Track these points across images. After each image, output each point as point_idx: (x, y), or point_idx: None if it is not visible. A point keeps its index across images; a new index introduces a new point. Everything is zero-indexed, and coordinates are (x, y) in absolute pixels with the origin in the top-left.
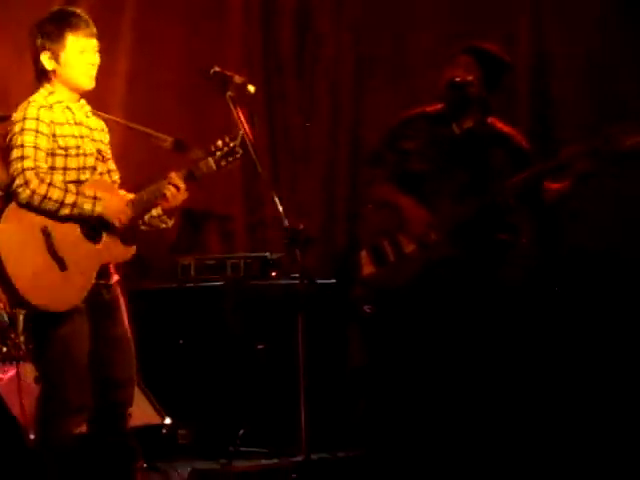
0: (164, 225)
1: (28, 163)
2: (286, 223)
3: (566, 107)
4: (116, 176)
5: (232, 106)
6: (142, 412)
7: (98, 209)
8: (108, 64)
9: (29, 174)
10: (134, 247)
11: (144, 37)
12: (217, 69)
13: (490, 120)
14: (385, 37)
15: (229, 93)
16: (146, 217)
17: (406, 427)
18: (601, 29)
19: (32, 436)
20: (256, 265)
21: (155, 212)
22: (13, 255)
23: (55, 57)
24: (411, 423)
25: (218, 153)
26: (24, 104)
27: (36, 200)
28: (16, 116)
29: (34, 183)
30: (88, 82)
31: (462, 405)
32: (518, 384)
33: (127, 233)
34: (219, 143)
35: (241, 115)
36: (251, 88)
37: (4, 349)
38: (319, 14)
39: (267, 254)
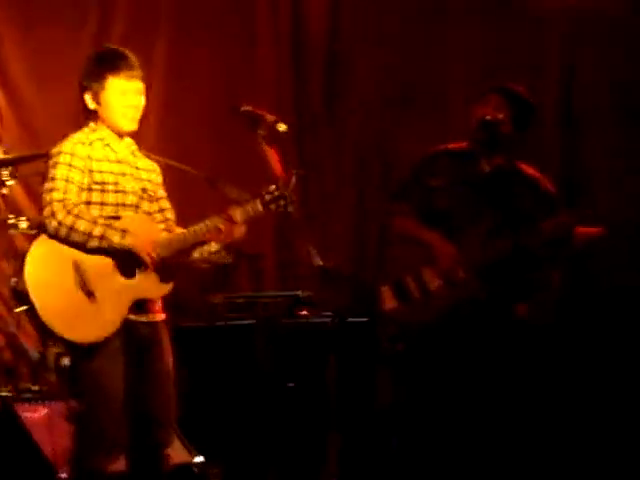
0: (223, 261)
1: (57, 195)
2: (317, 261)
3: (595, 138)
4: (169, 214)
5: (263, 144)
6: (173, 451)
7: (127, 242)
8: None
9: (56, 205)
10: (171, 284)
11: (175, 70)
12: (248, 108)
13: (518, 163)
14: (417, 71)
15: (260, 131)
16: (205, 253)
17: (438, 463)
18: (630, 61)
19: (64, 475)
20: (287, 303)
21: (214, 248)
22: (41, 285)
23: (95, 97)
24: (442, 459)
25: (267, 197)
26: (63, 140)
27: (63, 232)
28: (53, 151)
29: (61, 215)
30: (126, 124)
31: (490, 442)
32: (545, 421)
33: (164, 270)
34: (272, 187)
35: (272, 153)
36: (282, 127)
37: (35, 387)
38: (350, 48)
39: (298, 292)
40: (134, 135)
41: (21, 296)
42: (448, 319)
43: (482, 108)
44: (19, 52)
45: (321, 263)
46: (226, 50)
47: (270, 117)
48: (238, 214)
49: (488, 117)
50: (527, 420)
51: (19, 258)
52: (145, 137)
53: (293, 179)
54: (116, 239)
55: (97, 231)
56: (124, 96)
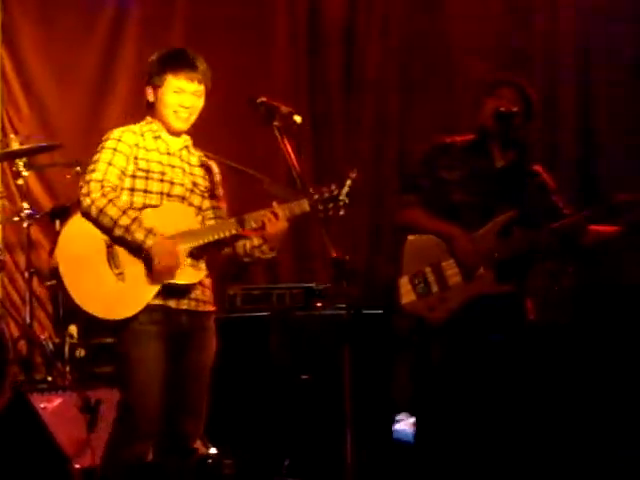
0: (265, 256)
1: (96, 175)
2: (332, 254)
3: (610, 150)
4: (222, 213)
5: (279, 136)
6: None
7: (148, 242)
8: None
9: (93, 185)
10: (202, 273)
11: None
12: (263, 99)
13: (528, 159)
14: (432, 61)
15: (275, 123)
16: (247, 247)
17: (455, 455)
18: None
19: (77, 465)
20: (302, 296)
21: (257, 242)
22: (71, 260)
23: (155, 92)
24: (459, 451)
25: (316, 196)
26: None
27: (93, 211)
28: (103, 137)
29: (95, 195)
30: (176, 123)
31: (507, 436)
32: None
33: (196, 258)
34: (324, 189)
35: (287, 145)
36: (297, 118)
37: (49, 378)
38: (366, 39)
39: (313, 285)
40: None
41: (55, 272)
42: (463, 315)
43: (496, 101)
44: (35, 42)
45: (335, 255)
46: (242, 38)
47: (285, 109)
48: (282, 211)
49: (503, 108)
50: (540, 416)
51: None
52: None
53: (348, 182)
54: (138, 236)
55: (123, 221)
56: (179, 96)
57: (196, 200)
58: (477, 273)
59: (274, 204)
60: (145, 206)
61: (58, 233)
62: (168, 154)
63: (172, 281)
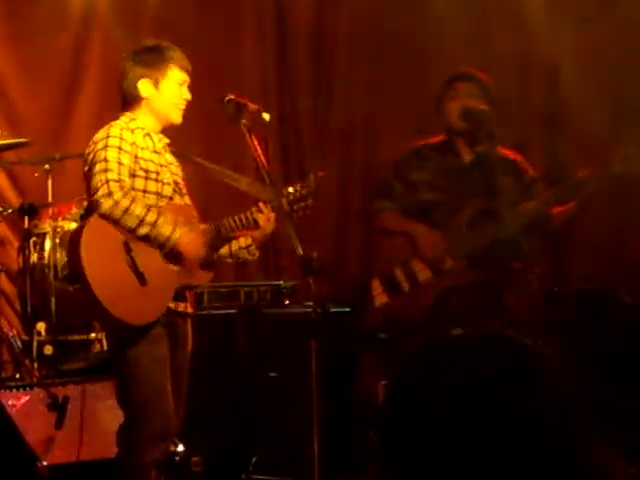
0: (250, 257)
1: (112, 175)
2: (300, 251)
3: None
4: (193, 212)
5: (246, 134)
6: None
7: (176, 236)
8: None
9: (113, 185)
10: (212, 273)
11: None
12: (231, 97)
13: (498, 147)
14: (401, 62)
15: (243, 121)
16: (233, 249)
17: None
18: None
19: (45, 463)
20: (270, 293)
21: (244, 243)
22: (96, 266)
23: (155, 84)
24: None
25: (290, 197)
26: (105, 127)
27: (118, 212)
28: (97, 136)
29: (118, 195)
30: (177, 116)
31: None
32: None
33: (206, 260)
34: (290, 189)
35: (255, 142)
36: (265, 116)
37: (17, 375)
38: (333, 39)
39: (280, 282)
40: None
41: (75, 277)
42: (435, 311)
43: (456, 99)
44: (2, 39)
45: (302, 252)
46: (209, 38)
47: (253, 106)
48: (269, 211)
49: (470, 107)
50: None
51: (72, 241)
52: None
53: (313, 181)
54: (165, 230)
55: (150, 218)
56: (182, 88)
57: (177, 198)
58: (446, 266)
59: (260, 204)
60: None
61: (26, 230)
62: (156, 152)
63: (189, 282)
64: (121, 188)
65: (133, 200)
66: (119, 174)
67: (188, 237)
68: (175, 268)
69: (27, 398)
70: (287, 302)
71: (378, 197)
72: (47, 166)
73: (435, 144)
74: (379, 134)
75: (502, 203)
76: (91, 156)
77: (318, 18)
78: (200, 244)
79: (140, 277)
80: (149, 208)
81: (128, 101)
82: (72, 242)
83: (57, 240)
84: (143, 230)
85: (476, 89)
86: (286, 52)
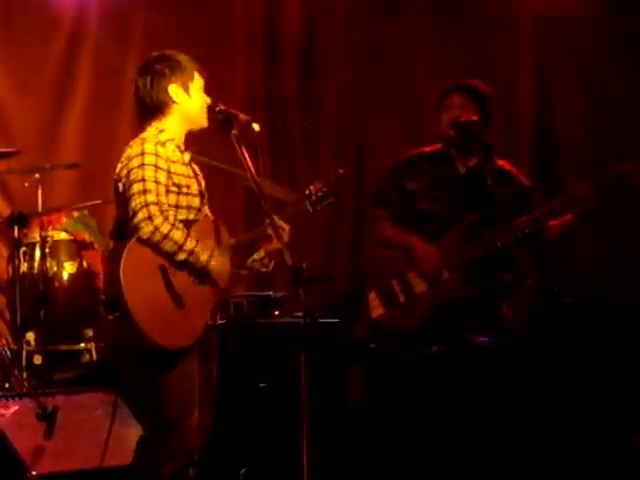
0: (264, 269)
1: (151, 197)
2: (289, 262)
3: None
4: (221, 226)
5: (236, 144)
6: None
7: (211, 265)
8: (116, 96)
9: (153, 209)
10: (241, 288)
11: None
12: (222, 107)
13: (494, 159)
14: (389, 73)
15: (234, 131)
16: (248, 261)
17: (406, 467)
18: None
19: (34, 472)
20: (259, 304)
21: (257, 255)
22: (135, 294)
23: (185, 89)
24: (412, 464)
25: (313, 197)
26: (137, 141)
27: (157, 237)
28: (132, 152)
29: (158, 220)
30: (205, 119)
31: (463, 448)
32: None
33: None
34: (312, 188)
35: (245, 153)
36: (256, 126)
37: (7, 385)
38: (323, 49)
39: (270, 293)
40: (111, 132)
41: (114, 303)
42: (431, 323)
43: (450, 110)
44: None
45: (292, 263)
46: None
47: (244, 117)
48: (281, 224)
49: (461, 119)
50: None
51: (110, 267)
52: (121, 138)
53: (333, 178)
54: (203, 258)
55: (189, 245)
56: (203, 92)
57: (204, 209)
58: (442, 279)
59: (275, 217)
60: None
61: (16, 240)
62: (184, 164)
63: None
64: (161, 212)
65: (173, 225)
66: (157, 195)
67: (223, 265)
68: (207, 288)
69: (16, 408)
70: (276, 313)
71: (373, 206)
72: (37, 175)
73: (430, 153)
74: (369, 147)
75: (498, 215)
76: (125, 173)
77: (308, 32)
78: (229, 271)
79: (177, 300)
80: (188, 234)
81: (154, 111)
82: (111, 268)
83: (47, 250)
84: (182, 256)
85: (470, 100)
86: (276, 67)
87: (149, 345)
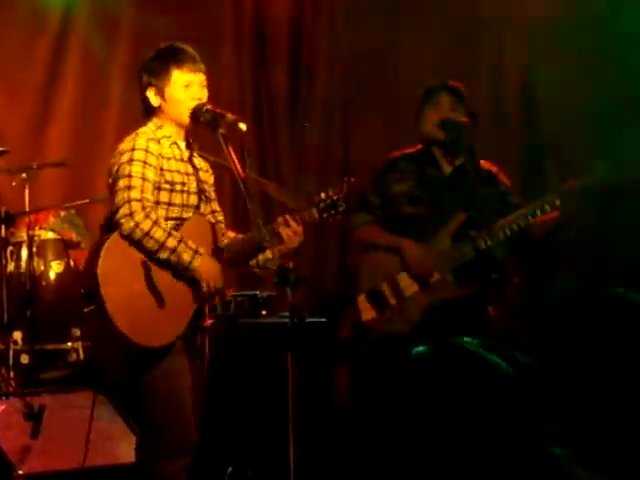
0: (273, 268)
1: (135, 194)
2: (276, 261)
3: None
4: (220, 217)
5: (223, 144)
6: (131, 449)
7: (195, 264)
8: (103, 95)
9: (135, 205)
10: (231, 290)
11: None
12: (208, 107)
13: (477, 159)
14: (380, 77)
15: (221, 131)
16: (261, 259)
17: (392, 467)
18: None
19: (21, 472)
20: (246, 303)
21: (270, 254)
22: (113, 285)
23: (160, 93)
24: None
25: (322, 204)
26: (132, 135)
27: (138, 234)
28: (123, 147)
29: (139, 216)
30: (186, 117)
31: (449, 452)
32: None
33: (227, 279)
34: (322, 195)
35: (232, 153)
36: (243, 126)
37: None
38: (311, 49)
39: (257, 292)
40: (98, 130)
41: (91, 296)
42: (422, 325)
43: (437, 109)
44: None
45: (280, 262)
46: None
47: (231, 116)
48: (298, 223)
49: (451, 119)
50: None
51: (90, 258)
52: (108, 138)
53: (345, 186)
54: (186, 257)
55: (170, 243)
56: (189, 89)
57: (202, 207)
58: (432, 280)
59: (287, 217)
60: (167, 219)
61: (3, 239)
62: (182, 161)
63: (210, 302)
64: (143, 208)
65: (155, 223)
66: (142, 192)
67: (208, 266)
68: (194, 290)
69: (3, 407)
70: (264, 313)
71: (357, 210)
72: (24, 175)
73: (412, 154)
74: (356, 150)
75: (483, 216)
76: (115, 168)
77: (297, 34)
78: (217, 272)
79: (158, 298)
80: (170, 233)
81: (149, 111)
82: (90, 261)
83: (34, 249)
84: (163, 255)
85: (457, 101)
86: (265, 68)
87: (121, 339)
